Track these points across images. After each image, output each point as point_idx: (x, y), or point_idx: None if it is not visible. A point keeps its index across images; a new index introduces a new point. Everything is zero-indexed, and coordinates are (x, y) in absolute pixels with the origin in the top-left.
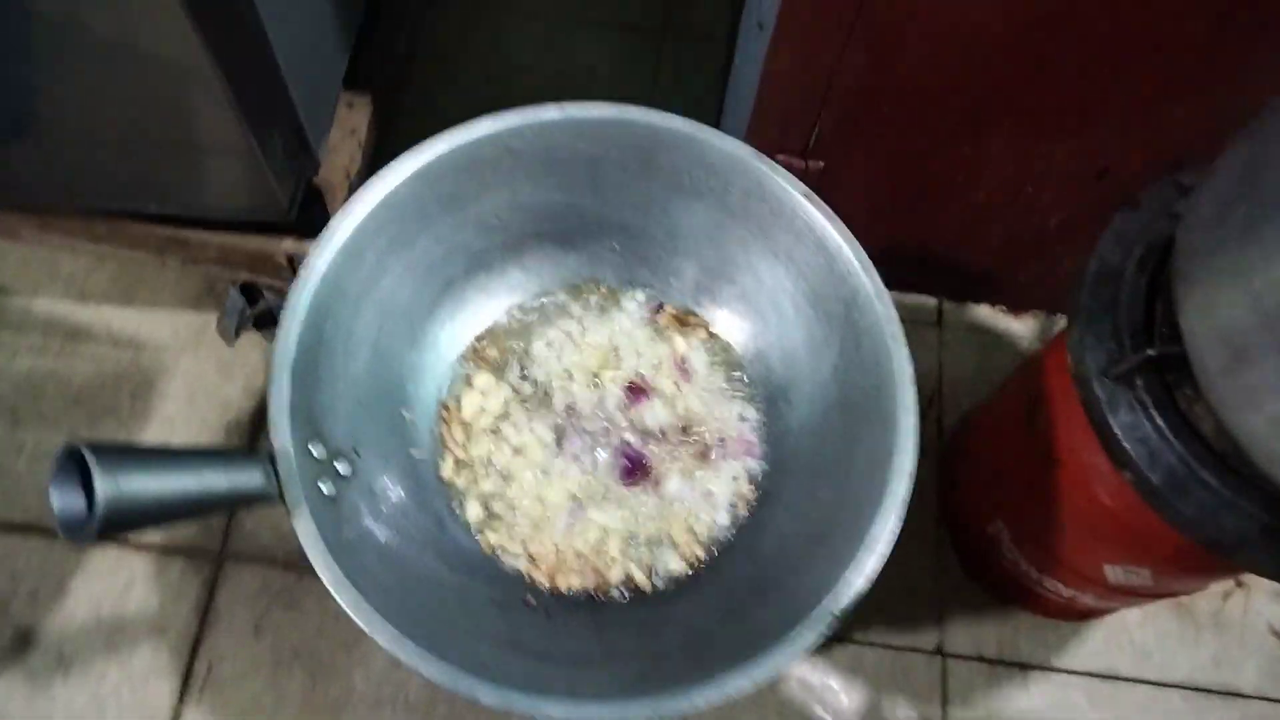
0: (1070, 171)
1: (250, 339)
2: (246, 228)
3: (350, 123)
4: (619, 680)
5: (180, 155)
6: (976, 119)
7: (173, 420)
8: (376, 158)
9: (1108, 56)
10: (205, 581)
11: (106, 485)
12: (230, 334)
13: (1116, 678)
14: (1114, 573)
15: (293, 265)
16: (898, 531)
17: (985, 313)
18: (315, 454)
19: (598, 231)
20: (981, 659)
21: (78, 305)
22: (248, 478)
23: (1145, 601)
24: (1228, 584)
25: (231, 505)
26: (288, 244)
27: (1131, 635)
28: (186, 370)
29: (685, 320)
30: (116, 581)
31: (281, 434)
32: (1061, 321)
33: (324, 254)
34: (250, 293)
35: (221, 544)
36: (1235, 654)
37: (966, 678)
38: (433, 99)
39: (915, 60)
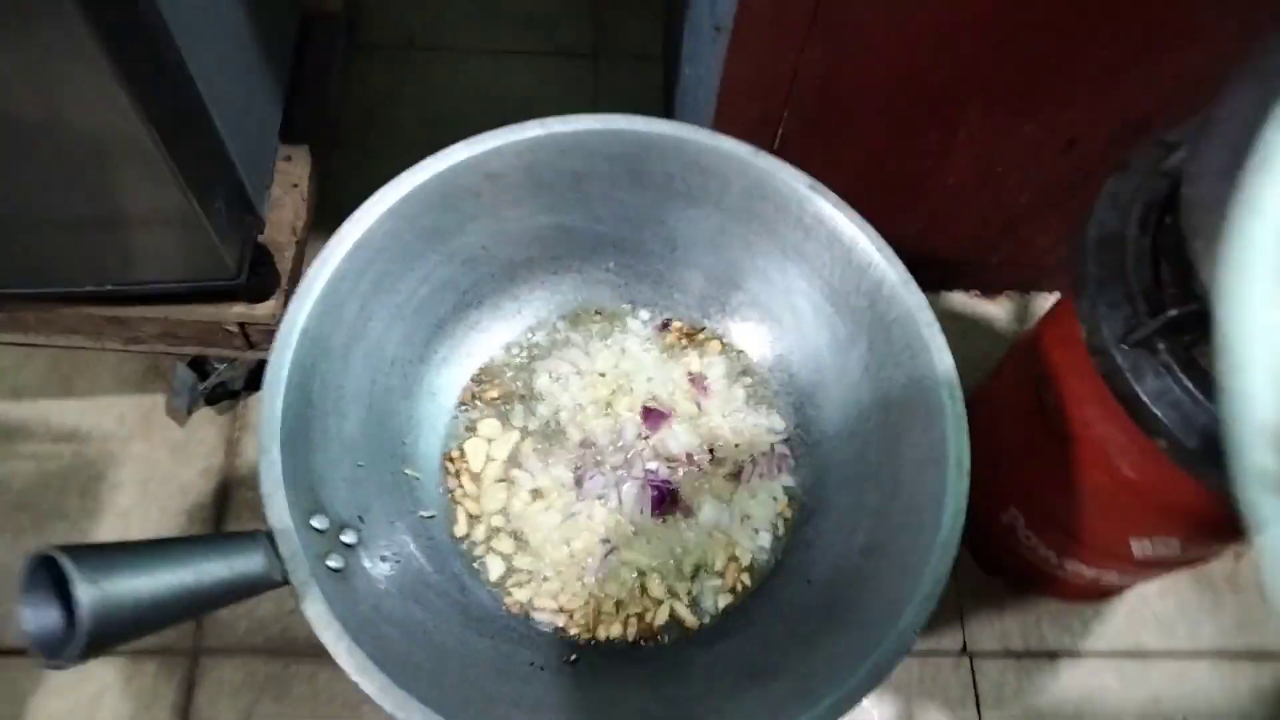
0: (1038, 146)
1: (203, 416)
2: (191, 298)
3: (291, 176)
4: None
5: (118, 227)
6: (942, 103)
7: (128, 513)
8: (321, 211)
9: (1066, 25)
10: (181, 682)
11: (89, 592)
12: (182, 413)
13: (1144, 654)
14: (1141, 546)
15: (245, 332)
16: (963, 528)
17: (959, 299)
18: (317, 526)
19: (591, 252)
20: (1008, 653)
21: (11, 404)
22: (248, 562)
23: (1170, 572)
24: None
25: (233, 597)
26: (237, 310)
27: (1153, 609)
28: (137, 457)
29: (695, 335)
30: (83, 696)
31: (279, 510)
32: (1039, 300)
33: (303, 306)
34: (199, 367)
35: (194, 640)
36: (1257, 614)
37: (996, 675)
38: (371, 147)
39: (877, 49)
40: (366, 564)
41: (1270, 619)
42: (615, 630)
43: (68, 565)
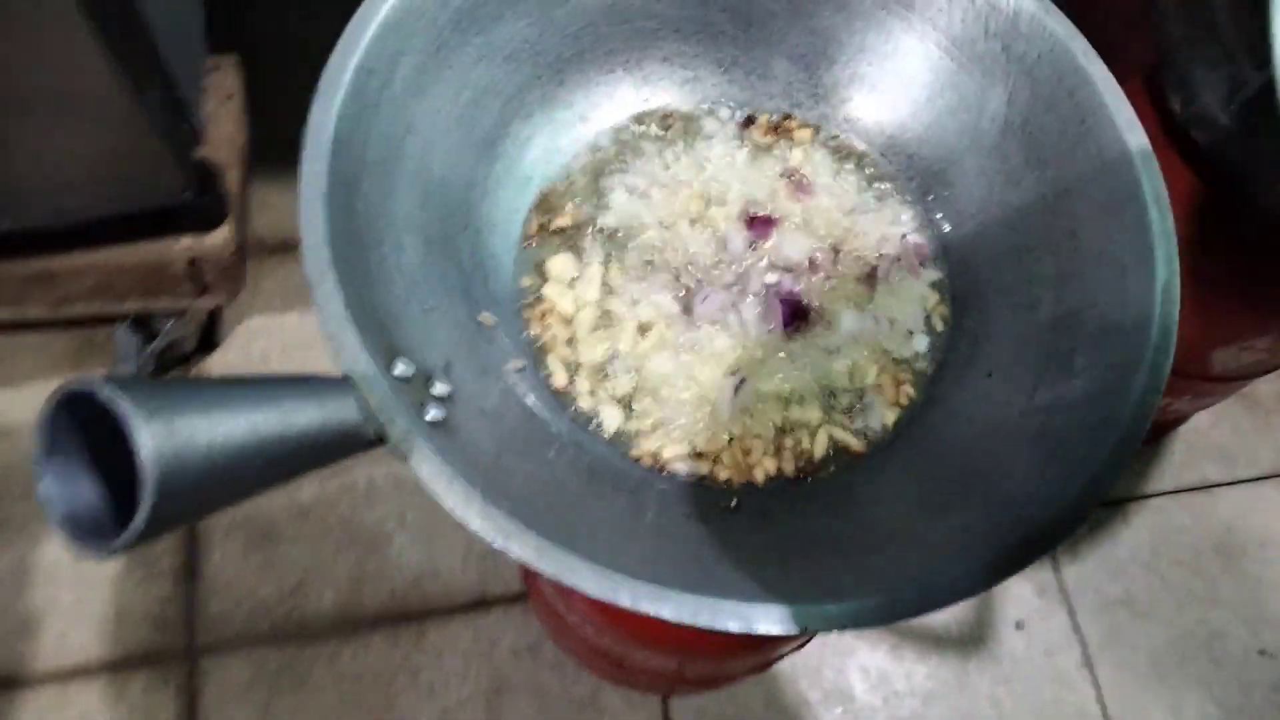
0: None
1: None
2: (130, 233)
3: (224, 88)
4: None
5: (31, 122)
6: None
7: None
8: (261, 128)
9: None
10: (180, 690)
11: (154, 433)
12: None
13: (1209, 486)
14: (1224, 357)
15: (196, 273)
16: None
17: None
18: (401, 374)
19: (651, 41)
20: None
21: None
22: (342, 407)
23: (1232, 393)
24: None
25: (324, 454)
26: (185, 244)
27: (1209, 440)
28: None
29: (787, 128)
30: None
31: (352, 352)
32: None
33: (330, 106)
34: (144, 329)
35: (188, 638)
36: None
37: None
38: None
39: None
40: (468, 419)
41: None
42: (770, 466)
43: (118, 399)
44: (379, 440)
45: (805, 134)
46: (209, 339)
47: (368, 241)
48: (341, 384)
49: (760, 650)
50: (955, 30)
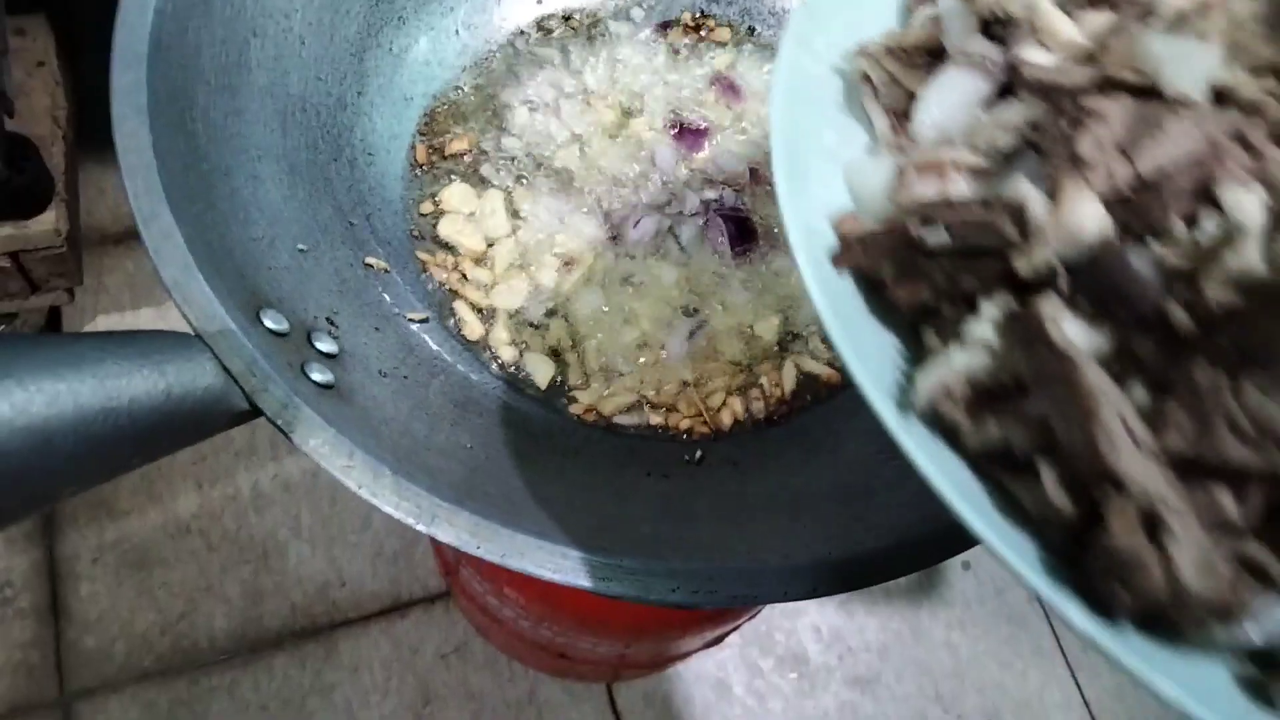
0: None
1: None
2: None
3: (33, 54)
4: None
5: None
6: None
7: None
8: (89, 98)
9: None
10: None
11: None
12: None
13: None
14: None
15: (21, 267)
16: None
17: None
18: (273, 327)
19: None
20: None
21: None
22: (191, 372)
23: None
24: None
25: (176, 433)
26: (6, 233)
27: None
28: None
29: (708, 26)
30: None
31: (201, 301)
32: None
33: None
34: None
35: (58, 682)
36: None
37: None
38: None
39: None
40: (365, 381)
41: None
42: (739, 409)
43: None
44: (252, 411)
45: (726, 33)
46: None
47: (213, 170)
48: (190, 342)
49: (716, 623)
50: None
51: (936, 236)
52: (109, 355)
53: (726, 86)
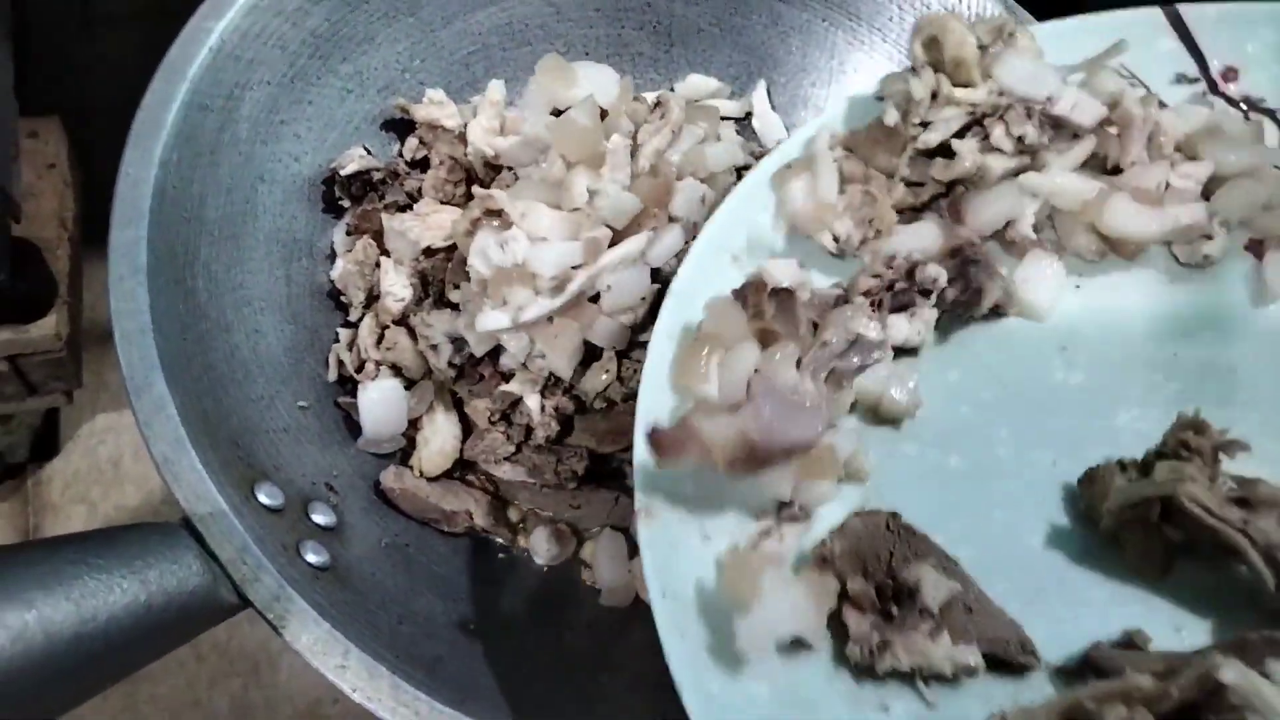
0: None
1: None
2: None
3: (44, 155)
4: None
5: None
6: None
7: None
8: (90, 201)
9: None
10: None
11: None
12: None
13: None
14: None
15: (19, 370)
16: None
17: None
18: (268, 503)
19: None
20: None
21: None
22: (175, 572)
23: None
24: None
25: (157, 642)
26: (4, 337)
27: None
28: None
29: None
30: None
31: (190, 480)
32: None
33: (149, 147)
34: None
35: None
36: None
37: None
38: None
39: None
40: (364, 555)
41: None
42: None
43: None
44: (241, 604)
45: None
46: (47, 443)
47: (213, 328)
48: (175, 537)
49: None
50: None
51: None
52: (86, 568)
53: None
